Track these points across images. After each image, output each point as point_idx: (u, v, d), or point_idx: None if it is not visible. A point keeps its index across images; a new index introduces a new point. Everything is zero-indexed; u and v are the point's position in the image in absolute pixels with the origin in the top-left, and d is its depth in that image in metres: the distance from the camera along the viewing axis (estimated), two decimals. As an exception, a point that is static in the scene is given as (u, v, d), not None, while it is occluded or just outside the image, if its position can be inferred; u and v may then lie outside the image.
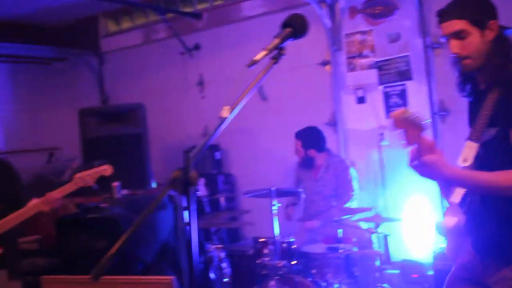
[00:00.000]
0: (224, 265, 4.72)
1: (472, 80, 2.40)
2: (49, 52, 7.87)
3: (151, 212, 1.60)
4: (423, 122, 1.98)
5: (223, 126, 1.70)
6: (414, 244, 5.35)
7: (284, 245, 4.48)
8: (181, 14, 7.03)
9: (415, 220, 5.24)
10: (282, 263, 4.35)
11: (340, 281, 4.22)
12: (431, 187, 4.19)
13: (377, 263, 4.34)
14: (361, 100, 5.83)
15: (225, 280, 4.70)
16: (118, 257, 1.53)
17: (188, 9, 7.16)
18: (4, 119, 7.38)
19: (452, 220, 2.29)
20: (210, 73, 6.95)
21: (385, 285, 4.31)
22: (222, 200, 5.83)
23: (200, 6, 7.12)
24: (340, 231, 4.43)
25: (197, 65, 7.04)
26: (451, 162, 2.17)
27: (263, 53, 1.80)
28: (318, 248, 4.45)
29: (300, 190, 5.31)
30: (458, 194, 2.30)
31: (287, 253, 4.46)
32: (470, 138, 2.29)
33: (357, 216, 4.70)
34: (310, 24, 1.90)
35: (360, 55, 5.79)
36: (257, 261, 4.48)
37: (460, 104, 2.54)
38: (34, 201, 3.50)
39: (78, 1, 7.08)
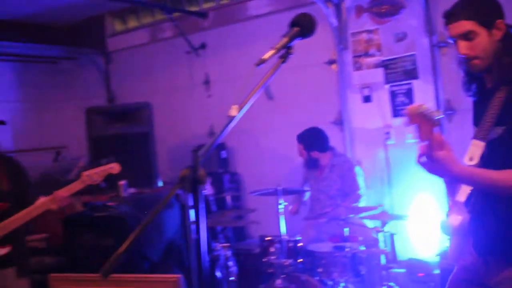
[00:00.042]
0: (230, 263, 4.73)
1: (478, 79, 2.39)
2: (56, 51, 7.90)
3: (160, 210, 1.60)
4: (437, 117, 1.97)
5: (232, 125, 1.70)
6: (421, 243, 5.35)
7: (290, 243, 4.49)
8: (187, 13, 7.04)
9: (422, 218, 5.23)
10: (288, 261, 4.36)
11: (346, 279, 4.22)
12: (438, 185, 4.18)
13: (383, 261, 4.35)
14: (367, 99, 5.82)
15: (231, 278, 4.71)
16: (125, 256, 1.54)
17: (194, 8, 7.18)
18: (12, 118, 7.41)
19: (457, 219, 2.28)
20: (216, 72, 6.96)
21: (391, 283, 4.31)
22: (228, 199, 5.83)
23: (206, 5, 7.13)
24: (346, 229, 4.43)
25: (203, 64, 7.05)
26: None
27: (271, 52, 1.80)
28: (325, 246, 4.45)
29: (306, 189, 5.31)
30: (464, 193, 2.29)
31: (294, 251, 4.47)
32: (476, 136, 2.28)
33: (363, 215, 4.70)
34: (318, 23, 1.90)
35: (366, 54, 5.78)
36: (263, 260, 4.49)
37: (467, 103, 2.54)
38: (42, 200, 3.52)
39: (85, 0, 7.11)
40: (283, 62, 1.84)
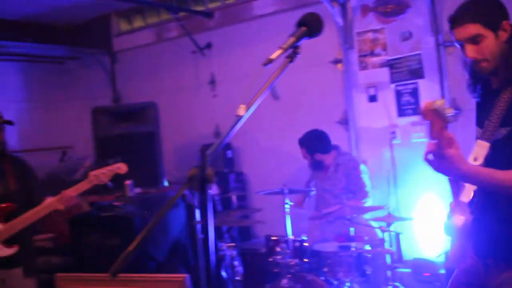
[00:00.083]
0: (236, 263, 4.74)
1: (483, 80, 2.38)
2: (62, 51, 7.92)
3: (168, 210, 1.61)
4: (449, 115, 1.97)
5: (239, 125, 1.71)
6: (426, 242, 5.34)
7: (296, 243, 4.49)
8: (193, 13, 7.05)
9: (427, 218, 5.22)
10: (294, 261, 4.36)
11: (352, 279, 4.22)
12: (443, 185, 4.17)
13: (389, 261, 4.34)
14: (372, 98, 5.82)
15: (237, 278, 4.71)
16: (132, 256, 1.55)
17: (200, 8, 7.18)
18: (18, 118, 7.40)
19: (461, 219, 2.28)
20: (222, 72, 6.96)
21: (396, 283, 4.31)
22: (233, 198, 5.83)
23: (212, 5, 7.13)
24: (352, 229, 4.43)
25: (208, 64, 7.06)
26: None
27: (278, 51, 1.80)
28: (330, 246, 4.46)
29: (312, 189, 5.32)
30: (468, 193, 2.29)
31: (299, 251, 4.47)
32: (481, 137, 2.28)
33: (369, 215, 4.70)
34: (324, 23, 1.90)
35: (372, 54, 5.77)
36: (269, 260, 4.49)
37: (472, 103, 2.53)
38: (49, 200, 3.53)
39: (91, 0, 7.13)
40: (290, 61, 1.83)
